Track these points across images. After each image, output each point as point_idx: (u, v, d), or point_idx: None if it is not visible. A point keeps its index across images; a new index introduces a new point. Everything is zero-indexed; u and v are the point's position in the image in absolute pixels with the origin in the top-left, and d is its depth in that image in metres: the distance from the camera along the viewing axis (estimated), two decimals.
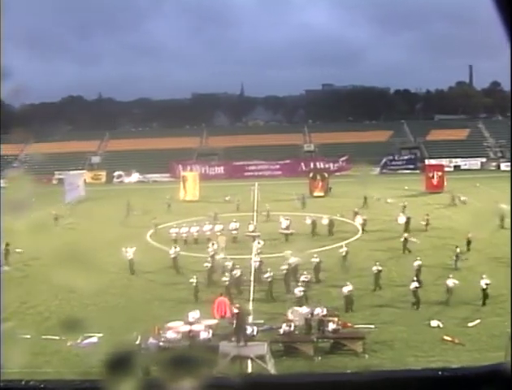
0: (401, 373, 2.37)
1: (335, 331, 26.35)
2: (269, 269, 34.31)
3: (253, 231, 47.41)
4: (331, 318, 26.92)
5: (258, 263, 36.48)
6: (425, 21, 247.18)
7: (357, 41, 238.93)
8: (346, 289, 30.71)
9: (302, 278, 32.70)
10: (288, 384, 2.39)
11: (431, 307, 30.48)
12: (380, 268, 34.13)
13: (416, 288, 30.95)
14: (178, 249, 40.47)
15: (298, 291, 30.94)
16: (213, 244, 41.17)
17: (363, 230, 48.64)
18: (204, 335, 25.83)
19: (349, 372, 2.54)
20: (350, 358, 24.86)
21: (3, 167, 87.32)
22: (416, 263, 34.62)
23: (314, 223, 48.42)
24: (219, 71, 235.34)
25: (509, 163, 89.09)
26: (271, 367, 22.77)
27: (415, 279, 31.98)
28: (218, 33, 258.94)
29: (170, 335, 25.76)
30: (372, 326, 27.95)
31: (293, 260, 35.36)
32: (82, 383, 2.44)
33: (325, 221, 48.82)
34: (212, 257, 38.21)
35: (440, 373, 2.29)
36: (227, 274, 33.88)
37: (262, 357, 23.12)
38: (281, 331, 26.22)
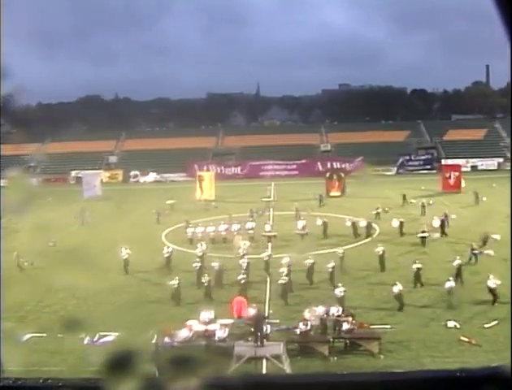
0: (400, 374, 2.38)
1: (350, 331, 26.34)
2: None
3: (269, 231, 47.12)
4: (346, 318, 26.89)
5: (245, 264, 35.96)
6: (441, 21, 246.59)
7: (374, 40, 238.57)
8: (396, 288, 30.71)
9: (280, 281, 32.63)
10: (292, 385, 2.40)
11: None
12: (420, 266, 34.05)
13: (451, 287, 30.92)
14: (170, 248, 40.28)
15: (339, 291, 30.61)
16: (201, 244, 40.96)
17: (401, 233, 46.93)
18: (220, 334, 25.82)
19: (361, 372, 2.56)
20: (366, 359, 24.82)
21: (20, 166, 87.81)
22: (456, 262, 34.41)
23: (354, 226, 47.38)
24: (235, 70, 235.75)
25: None
26: (286, 367, 22.77)
27: (451, 278, 31.70)
28: (234, 33, 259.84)
29: (185, 334, 25.77)
30: (388, 326, 27.89)
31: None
32: (99, 381, 2.46)
33: (363, 223, 47.61)
34: (201, 257, 38.07)
35: (440, 374, 2.30)
36: (206, 274, 33.92)
37: (278, 357, 23.13)
38: (297, 330, 26.22)
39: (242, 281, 33.01)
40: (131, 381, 2.30)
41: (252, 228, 47.22)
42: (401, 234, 46.67)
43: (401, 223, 47.47)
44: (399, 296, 30.58)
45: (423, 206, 55.50)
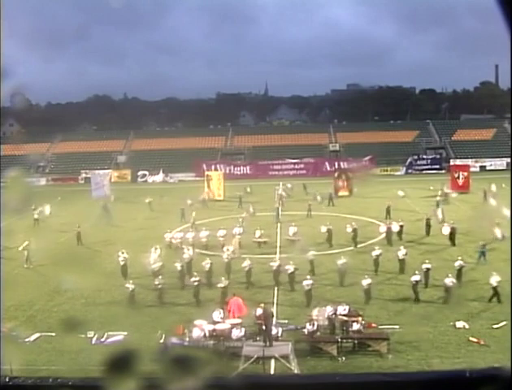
0: (403, 375, 2.42)
1: (359, 331, 26.37)
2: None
3: (259, 237, 45.06)
4: (355, 319, 26.93)
5: (208, 266, 35.83)
6: (450, 20, 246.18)
7: (383, 40, 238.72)
8: (365, 282, 31.70)
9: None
10: (293, 385, 2.43)
11: None
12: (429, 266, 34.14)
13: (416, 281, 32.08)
14: (159, 250, 39.54)
15: (306, 284, 31.98)
16: (188, 249, 39.97)
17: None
18: (236, 333, 25.80)
19: (365, 373, 2.60)
20: (375, 359, 24.82)
21: (29, 166, 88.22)
22: (457, 263, 34.34)
23: (401, 227, 45.55)
24: (244, 70, 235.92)
25: None
26: (294, 367, 22.80)
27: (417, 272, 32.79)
28: (242, 33, 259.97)
29: (195, 333, 25.78)
30: (397, 326, 27.90)
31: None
32: (103, 380, 2.49)
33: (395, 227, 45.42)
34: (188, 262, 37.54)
35: (441, 374, 2.33)
36: (159, 277, 33.82)
37: (286, 357, 23.18)
38: (305, 330, 26.26)
39: (195, 283, 32.86)
40: (132, 380, 2.33)
41: (239, 234, 45.07)
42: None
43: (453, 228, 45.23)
44: (367, 291, 31.54)
45: (438, 206, 55.35)
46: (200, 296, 32.52)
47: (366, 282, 31.74)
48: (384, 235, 45.37)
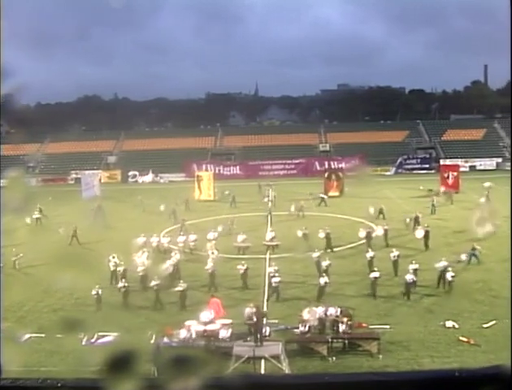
0: (399, 374, 2.39)
1: (349, 331, 26.37)
2: None
3: (242, 242, 43.42)
4: (345, 319, 26.91)
5: (171, 268, 35.82)
6: (440, 20, 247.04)
7: (373, 40, 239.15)
8: (322, 281, 32.45)
9: None
10: (291, 385, 2.41)
11: None
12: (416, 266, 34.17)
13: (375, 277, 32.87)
14: (146, 254, 38.54)
15: (274, 282, 32.84)
16: (175, 253, 39.49)
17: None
18: (223, 333, 25.76)
19: (358, 373, 2.58)
20: (366, 359, 24.83)
21: (19, 167, 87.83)
22: (441, 264, 34.27)
23: (386, 231, 44.51)
24: (234, 70, 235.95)
25: None
26: (285, 367, 22.78)
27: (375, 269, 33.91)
28: (232, 32, 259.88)
29: (184, 334, 25.74)
30: (387, 326, 27.93)
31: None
32: (98, 381, 2.47)
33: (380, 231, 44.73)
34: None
35: (439, 374, 2.31)
36: (123, 280, 33.57)
37: (276, 357, 23.15)
38: (298, 331, 26.27)
39: (155, 288, 32.29)
40: (130, 381, 2.31)
41: (214, 239, 43.39)
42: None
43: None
44: (322, 288, 32.22)
45: (433, 205, 55.81)
46: (160, 299, 32.16)
47: (323, 280, 32.39)
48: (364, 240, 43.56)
